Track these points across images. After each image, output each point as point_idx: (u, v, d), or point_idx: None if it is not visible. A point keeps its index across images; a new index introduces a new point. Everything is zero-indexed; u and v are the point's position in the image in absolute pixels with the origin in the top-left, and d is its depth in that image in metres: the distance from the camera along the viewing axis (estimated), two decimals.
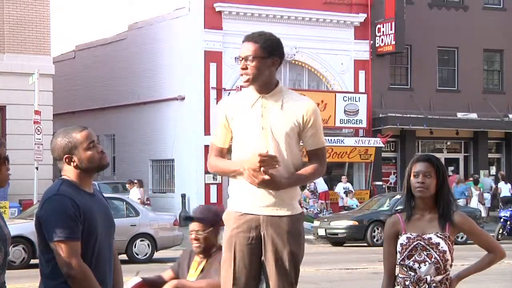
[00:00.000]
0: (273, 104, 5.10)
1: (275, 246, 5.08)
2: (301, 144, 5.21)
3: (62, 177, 4.43)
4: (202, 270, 5.83)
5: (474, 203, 30.55)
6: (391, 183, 35.40)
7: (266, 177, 4.90)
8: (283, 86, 5.21)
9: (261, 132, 5.05)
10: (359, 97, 33.69)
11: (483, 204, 30.84)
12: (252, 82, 5.08)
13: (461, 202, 28.93)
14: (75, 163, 4.39)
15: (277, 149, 5.05)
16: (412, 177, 4.81)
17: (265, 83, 5.09)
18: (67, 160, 4.39)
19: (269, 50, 5.07)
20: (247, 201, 5.08)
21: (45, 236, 4.27)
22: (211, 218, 5.87)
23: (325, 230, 25.20)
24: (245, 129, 5.08)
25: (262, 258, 5.16)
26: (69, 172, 4.40)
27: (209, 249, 5.85)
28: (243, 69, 5.05)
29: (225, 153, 5.25)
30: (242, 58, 5.05)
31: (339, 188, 31.41)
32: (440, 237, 4.74)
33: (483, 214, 29.80)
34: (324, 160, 5.22)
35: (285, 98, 5.14)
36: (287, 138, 5.06)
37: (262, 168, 4.89)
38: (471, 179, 33.04)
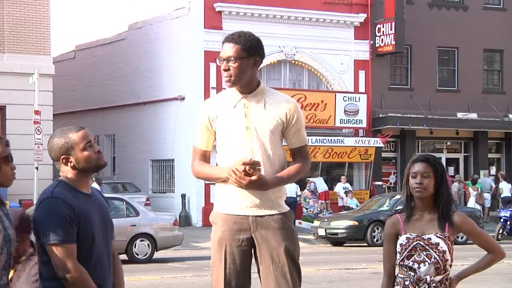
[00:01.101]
0: (256, 103, 5.11)
1: (269, 246, 5.07)
2: (284, 144, 5.24)
3: (59, 178, 4.42)
4: (10, 280, 5.32)
5: (471, 203, 30.53)
6: (391, 183, 35.40)
7: (254, 177, 4.90)
8: (264, 86, 5.22)
9: (245, 132, 5.05)
10: (359, 97, 33.70)
11: (481, 204, 30.81)
12: (235, 83, 5.08)
13: None
14: (72, 164, 4.37)
15: (262, 148, 5.05)
16: (410, 178, 4.81)
17: (247, 83, 5.11)
18: (64, 161, 4.38)
19: (250, 51, 5.07)
20: (235, 202, 5.07)
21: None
22: (17, 224, 5.56)
23: (325, 230, 25.20)
24: (230, 129, 5.08)
25: (253, 260, 5.15)
26: (66, 173, 4.39)
27: (18, 256, 5.32)
28: (225, 70, 5.06)
29: (208, 156, 5.23)
30: (224, 59, 5.06)
31: (339, 188, 31.40)
32: (440, 237, 4.74)
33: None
34: (308, 157, 5.25)
35: (268, 97, 5.16)
36: (272, 137, 5.08)
37: (247, 169, 4.91)
38: (471, 179, 33.05)
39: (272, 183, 5.01)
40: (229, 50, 5.05)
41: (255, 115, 5.09)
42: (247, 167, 4.89)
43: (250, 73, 5.09)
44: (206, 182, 29.65)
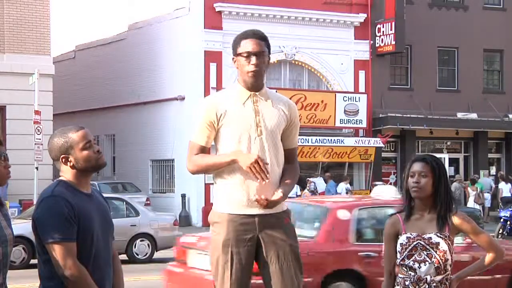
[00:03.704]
0: (265, 101, 5.15)
1: (276, 245, 5.09)
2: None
3: (59, 178, 4.43)
4: None
5: (471, 203, 30.54)
6: (391, 183, 35.34)
7: (280, 196, 4.96)
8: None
9: (255, 129, 5.07)
10: (359, 97, 33.69)
11: (480, 204, 30.78)
12: (260, 78, 5.13)
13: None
14: (71, 163, 4.37)
15: (271, 145, 5.08)
16: (409, 178, 4.83)
17: (262, 79, 5.17)
18: (63, 160, 4.38)
19: (269, 49, 5.20)
20: (240, 202, 5.06)
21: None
22: None
23: None
24: (239, 126, 5.07)
25: (258, 258, 5.16)
26: (66, 173, 4.40)
27: None
28: (256, 65, 5.06)
29: (206, 153, 5.18)
30: (254, 54, 5.06)
31: (341, 188, 31.32)
32: (440, 237, 4.74)
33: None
34: (297, 160, 5.35)
35: (272, 97, 5.22)
36: (278, 135, 5.14)
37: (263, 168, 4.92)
38: (470, 179, 33.03)
39: (287, 193, 5.09)
40: (260, 45, 5.11)
41: (265, 112, 5.11)
42: (263, 167, 4.93)
43: (266, 70, 5.19)
44: (206, 182, 29.69)
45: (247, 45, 5.09)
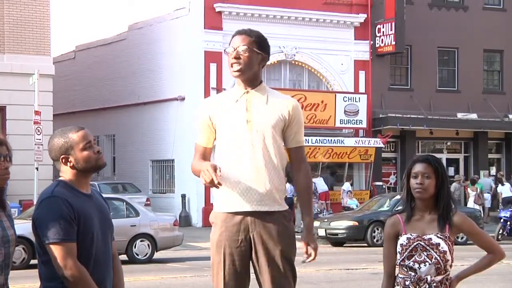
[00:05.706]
0: (258, 98, 5.13)
1: (266, 247, 5.06)
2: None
3: (59, 178, 4.43)
4: None
5: (470, 203, 30.54)
6: (391, 184, 35.40)
7: (312, 257, 5.17)
8: (266, 85, 5.25)
9: (246, 125, 5.06)
10: (359, 98, 33.71)
11: (480, 205, 30.79)
12: (243, 73, 5.10)
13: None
14: (71, 164, 4.37)
15: (262, 142, 5.06)
16: (411, 178, 4.81)
17: (253, 77, 5.13)
18: (63, 161, 4.39)
19: (260, 46, 5.15)
20: (234, 199, 5.05)
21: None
22: None
23: (325, 230, 25.19)
24: (230, 123, 5.08)
25: (252, 259, 5.15)
26: (66, 173, 4.40)
27: None
28: (236, 58, 5.07)
29: (209, 153, 5.23)
30: (235, 49, 5.07)
31: (346, 186, 31.33)
32: (440, 238, 4.74)
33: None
34: (306, 160, 5.28)
35: (269, 94, 5.19)
36: (273, 132, 5.08)
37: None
38: (470, 179, 33.03)
39: (310, 215, 5.23)
40: (242, 40, 5.10)
41: (257, 109, 5.09)
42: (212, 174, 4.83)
43: (257, 68, 5.15)
44: None
45: (231, 43, 5.13)
